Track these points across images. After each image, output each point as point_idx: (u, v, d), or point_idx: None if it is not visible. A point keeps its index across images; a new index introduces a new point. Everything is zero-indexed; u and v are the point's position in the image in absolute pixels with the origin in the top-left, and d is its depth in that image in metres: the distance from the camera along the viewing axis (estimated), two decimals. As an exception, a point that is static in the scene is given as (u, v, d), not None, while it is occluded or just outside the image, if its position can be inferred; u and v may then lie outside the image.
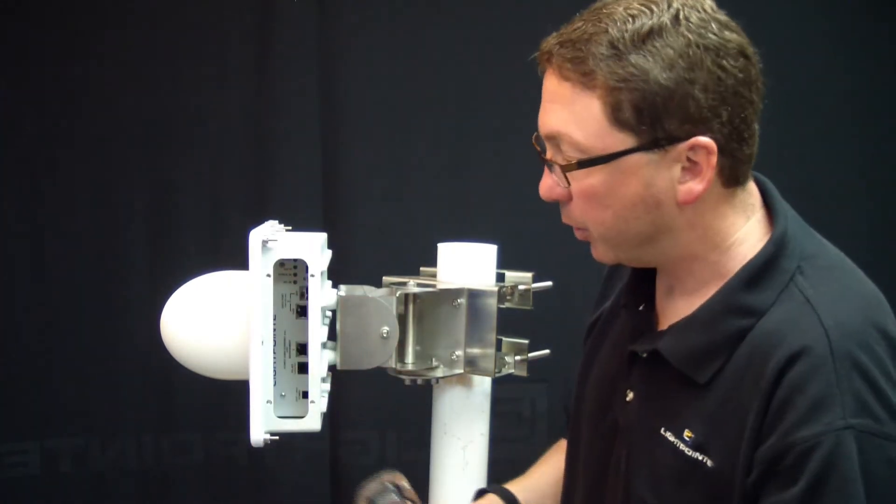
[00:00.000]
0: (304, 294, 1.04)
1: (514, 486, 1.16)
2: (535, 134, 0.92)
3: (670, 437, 0.90)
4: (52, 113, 2.02)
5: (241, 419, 1.00)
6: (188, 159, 2.05)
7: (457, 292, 1.06)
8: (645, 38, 0.81)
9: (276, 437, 1.00)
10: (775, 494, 0.80)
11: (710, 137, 0.83)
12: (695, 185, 0.84)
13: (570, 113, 0.85)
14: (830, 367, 0.80)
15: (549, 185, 0.92)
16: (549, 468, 1.21)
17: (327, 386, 1.03)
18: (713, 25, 0.83)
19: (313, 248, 0.98)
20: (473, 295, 1.06)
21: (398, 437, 2.15)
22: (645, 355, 0.94)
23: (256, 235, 0.96)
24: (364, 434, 2.15)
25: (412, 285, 1.05)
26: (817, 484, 0.78)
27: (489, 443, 1.14)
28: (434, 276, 1.11)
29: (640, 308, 0.99)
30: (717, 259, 0.89)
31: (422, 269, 1.14)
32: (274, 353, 0.99)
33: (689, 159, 0.84)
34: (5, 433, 2.04)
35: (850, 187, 2.10)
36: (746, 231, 0.89)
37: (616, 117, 0.83)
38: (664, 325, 0.95)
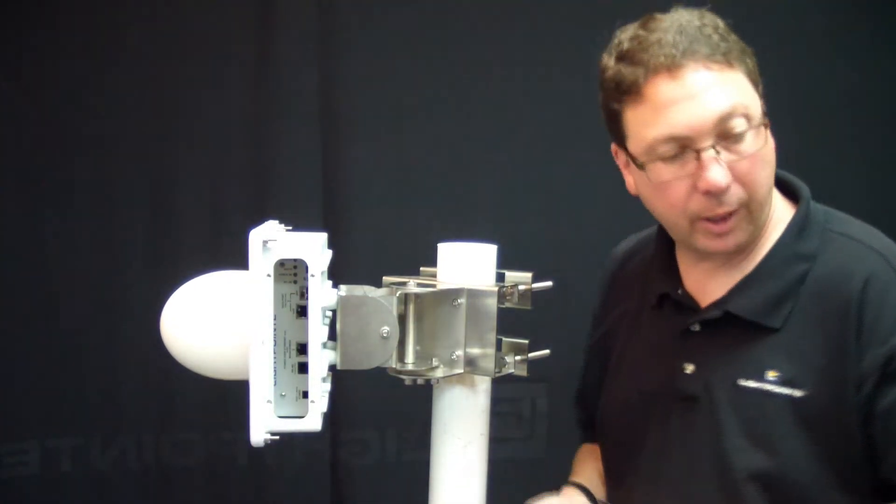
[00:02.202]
0: (304, 294, 1.04)
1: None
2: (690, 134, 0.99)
3: (751, 383, 1.01)
4: (51, 112, 2.02)
5: (241, 419, 1.00)
6: (188, 159, 2.06)
7: (457, 292, 1.06)
8: (724, 28, 1.02)
9: (276, 437, 1.00)
10: (893, 392, 0.95)
11: None
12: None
13: (733, 87, 0.98)
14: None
15: (724, 171, 0.99)
16: (592, 468, 1.31)
17: (327, 386, 1.03)
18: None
19: (313, 248, 0.98)
20: (473, 295, 1.06)
21: (398, 437, 2.15)
22: (697, 328, 1.07)
23: (256, 235, 0.96)
24: (364, 434, 2.15)
25: (412, 285, 1.05)
26: None
27: (489, 443, 1.13)
28: (434, 276, 1.11)
29: (679, 292, 1.12)
30: (772, 223, 1.07)
31: (422, 269, 1.14)
32: (274, 353, 0.99)
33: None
34: (5, 433, 2.04)
35: (850, 188, 2.10)
36: (775, 197, 1.07)
37: (752, 79, 1.01)
38: (704, 302, 1.08)
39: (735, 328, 1.03)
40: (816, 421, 0.98)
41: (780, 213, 1.07)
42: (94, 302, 2.04)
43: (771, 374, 1.00)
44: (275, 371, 0.99)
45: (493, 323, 1.06)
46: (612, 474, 1.21)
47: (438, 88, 2.11)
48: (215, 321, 1.02)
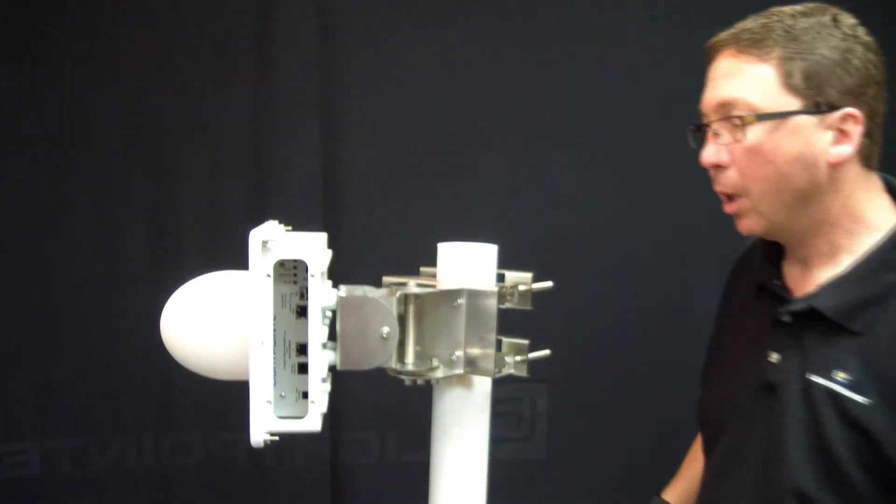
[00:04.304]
0: (304, 294, 1.04)
1: (672, 494, 1.37)
2: (701, 107, 1.08)
3: (820, 380, 1.02)
4: (52, 113, 2.02)
5: (241, 419, 1.00)
6: (188, 159, 2.06)
7: (457, 293, 1.06)
8: (812, 28, 1.02)
9: (276, 438, 1.00)
10: None
11: (859, 109, 1.01)
12: (844, 149, 1.02)
13: (746, 80, 1.02)
14: None
15: (715, 151, 1.07)
16: (696, 467, 1.31)
17: (327, 386, 1.03)
18: (861, 30, 1.05)
19: (313, 248, 0.97)
20: (473, 295, 1.06)
21: (398, 437, 2.16)
22: (788, 319, 1.08)
23: (256, 235, 0.96)
24: (364, 434, 2.15)
25: (412, 285, 1.05)
26: None
27: (489, 443, 1.13)
28: (434, 276, 1.11)
29: (776, 282, 1.14)
30: (851, 227, 1.06)
31: (422, 269, 1.14)
32: (274, 353, 0.99)
33: (839, 129, 1.02)
34: (5, 433, 2.04)
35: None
36: (877, 207, 1.06)
37: (787, 82, 1.01)
38: (798, 295, 1.09)
39: (821, 325, 1.05)
40: (874, 430, 0.98)
41: (885, 218, 1.06)
42: (94, 302, 2.04)
43: (840, 375, 1.01)
44: (275, 371, 0.98)
45: (494, 323, 1.06)
46: (706, 465, 1.23)
47: (439, 88, 2.11)
48: (215, 321, 1.02)
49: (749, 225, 1.09)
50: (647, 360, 2.21)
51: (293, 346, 1.05)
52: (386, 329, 1.02)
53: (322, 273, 0.99)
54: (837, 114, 1.01)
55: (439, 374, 1.07)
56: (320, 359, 0.99)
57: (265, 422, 0.98)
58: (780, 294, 1.12)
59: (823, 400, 1.02)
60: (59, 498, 2.07)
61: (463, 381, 1.09)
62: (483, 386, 1.11)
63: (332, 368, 1.03)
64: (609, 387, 2.18)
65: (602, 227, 2.18)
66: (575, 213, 2.16)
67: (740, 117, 1.03)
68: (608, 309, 2.18)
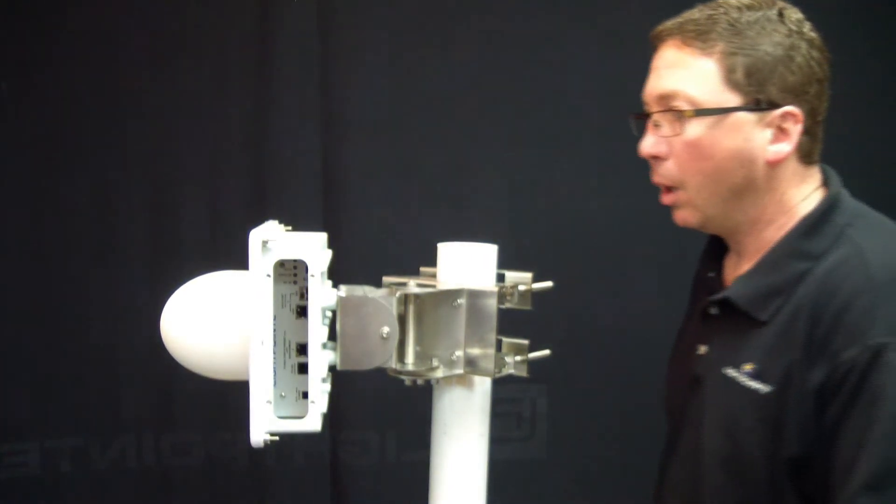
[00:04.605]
0: (304, 294, 1.04)
1: None
2: (644, 95, 1.08)
3: (731, 372, 1.03)
4: (51, 113, 2.02)
5: (241, 419, 1.00)
6: (188, 159, 2.05)
7: (457, 293, 1.06)
8: (757, 22, 1.01)
9: (276, 438, 1.00)
10: (828, 412, 0.93)
11: (798, 109, 1.01)
12: (783, 148, 1.02)
13: (688, 73, 1.02)
14: (871, 298, 0.93)
15: (654, 142, 1.07)
16: None
17: (327, 386, 1.03)
18: (807, 26, 1.04)
19: (313, 248, 0.98)
20: (473, 295, 1.06)
21: (398, 437, 2.15)
22: (715, 311, 1.09)
23: (256, 235, 0.96)
24: (364, 434, 2.15)
25: (412, 285, 1.05)
26: (855, 396, 0.91)
27: (489, 443, 1.13)
28: (434, 276, 1.11)
29: (711, 275, 1.16)
30: (783, 223, 1.05)
31: (422, 269, 1.14)
32: (274, 353, 0.99)
33: (779, 127, 1.01)
34: (5, 433, 2.04)
35: (850, 188, 2.10)
36: (810, 203, 1.05)
37: (729, 78, 1.00)
38: (743, 262, 1.10)
39: (738, 316, 1.05)
40: (776, 418, 0.98)
41: (808, 208, 1.06)
42: (94, 302, 2.04)
43: (747, 367, 1.02)
44: (275, 371, 0.99)
45: (494, 323, 1.06)
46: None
47: (438, 88, 2.11)
48: (215, 321, 1.02)
49: (684, 217, 1.10)
50: (646, 360, 2.20)
51: (293, 346, 1.05)
52: (386, 329, 1.02)
53: (322, 273, 0.99)
54: (777, 112, 1.01)
55: (439, 374, 1.07)
56: (320, 359, 0.99)
57: (265, 422, 0.98)
58: (713, 286, 1.14)
59: (734, 392, 1.02)
60: (59, 498, 2.07)
61: (463, 381, 1.09)
62: (483, 386, 1.11)
63: (332, 368, 1.03)
64: (609, 387, 2.18)
65: (602, 228, 2.18)
66: (575, 213, 2.16)
67: (680, 111, 1.03)
68: (608, 309, 2.18)
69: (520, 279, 1.10)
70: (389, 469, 2.15)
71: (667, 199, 1.10)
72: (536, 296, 1.09)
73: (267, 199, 2.06)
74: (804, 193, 1.06)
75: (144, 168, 2.05)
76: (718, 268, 1.17)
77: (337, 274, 1.10)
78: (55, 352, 2.04)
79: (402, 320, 1.05)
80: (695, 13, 1.04)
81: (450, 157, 2.13)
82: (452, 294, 1.06)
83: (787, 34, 1.01)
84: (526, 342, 1.11)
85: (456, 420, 1.10)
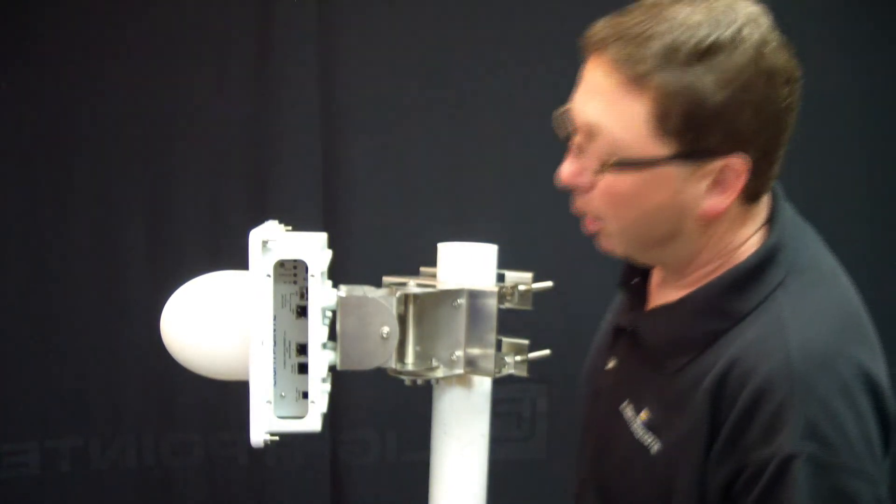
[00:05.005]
0: (304, 294, 1.04)
1: None
2: (562, 111, 0.92)
3: (628, 412, 0.95)
4: (51, 113, 2.02)
5: (241, 419, 1.00)
6: (188, 159, 2.06)
7: (457, 293, 1.06)
8: (705, 53, 0.80)
9: (276, 438, 1.00)
10: None
11: (744, 158, 0.84)
12: (719, 202, 0.86)
13: (614, 109, 0.84)
14: (787, 391, 0.80)
15: (574, 171, 0.92)
16: None
17: (327, 386, 1.03)
18: (770, 47, 0.83)
19: (313, 248, 0.98)
20: (473, 295, 1.06)
21: (398, 437, 2.15)
22: (630, 329, 1.00)
23: (256, 235, 0.96)
24: (364, 434, 2.15)
25: (412, 285, 1.05)
26: None
27: (489, 443, 1.13)
28: (434, 276, 1.11)
29: (634, 282, 1.04)
30: (720, 263, 0.91)
31: (422, 269, 1.14)
32: (274, 353, 0.99)
33: (717, 179, 0.85)
34: (5, 433, 2.04)
35: (850, 188, 2.10)
36: (752, 241, 0.91)
37: (663, 124, 0.82)
38: (654, 303, 0.99)
39: (649, 347, 0.96)
40: (667, 481, 0.88)
41: (752, 250, 0.90)
42: (94, 302, 2.04)
43: (643, 415, 0.92)
44: (275, 371, 0.99)
45: (494, 323, 1.06)
46: None
47: (438, 88, 2.11)
48: (215, 321, 1.02)
49: (609, 246, 0.98)
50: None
51: (293, 346, 1.05)
52: (386, 329, 1.02)
53: (322, 273, 0.99)
54: (717, 163, 0.84)
55: (439, 374, 1.07)
56: (320, 359, 0.99)
57: (265, 422, 0.98)
58: (635, 294, 1.03)
59: (627, 436, 0.94)
60: (59, 498, 2.07)
61: (463, 381, 1.09)
62: (483, 386, 1.11)
63: (332, 368, 1.03)
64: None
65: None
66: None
67: (596, 157, 0.88)
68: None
69: (520, 279, 1.10)
70: (389, 469, 2.15)
71: (590, 226, 0.97)
72: (536, 296, 1.09)
73: (267, 199, 2.06)
74: (744, 236, 0.91)
75: (144, 168, 2.05)
76: (645, 273, 1.05)
77: (337, 274, 1.10)
78: (55, 352, 2.04)
79: (402, 320, 1.05)
80: (633, 18, 0.84)
81: (450, 157, 2.13)
82: (452, 294, 1.06)
83: (743, 67, 0.81)
84: (526, 342, 1.11)
85: (456, 420, 1.10)
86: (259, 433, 0.98)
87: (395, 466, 2.15)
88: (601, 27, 0.86)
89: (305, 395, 1.01)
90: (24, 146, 2.02)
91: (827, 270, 0.91)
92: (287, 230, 1.05)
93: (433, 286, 1.06)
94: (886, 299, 2.12)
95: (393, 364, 1.04)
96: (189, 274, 1.07)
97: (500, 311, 1.06)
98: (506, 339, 1.10)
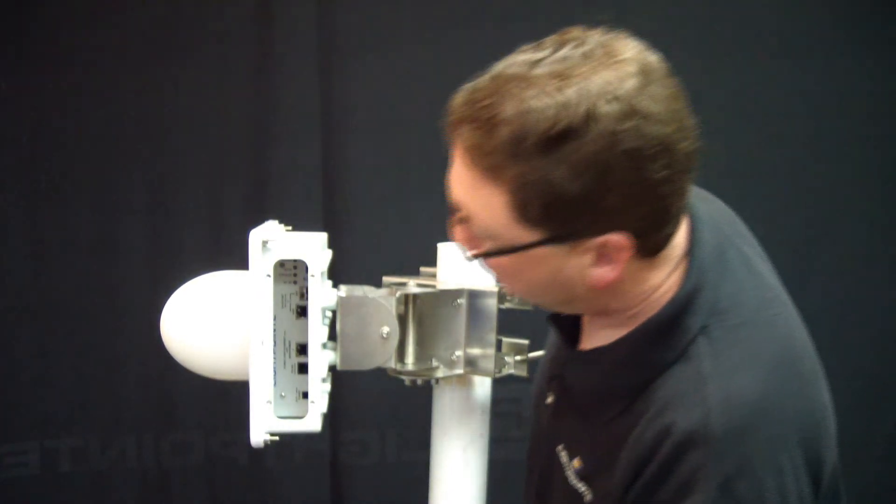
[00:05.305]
0: (304, 294, 1.04)
1: None
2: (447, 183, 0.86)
3: (563, 457, 0.91)
4: (51, 113, 2.02)
5: (241, 419, 1.00)
6: (188, 159, 2.06)
7: (457, 293, 1.06)
8: (554, 141, 0.72)
9: (276, 438, 1.00)
10: None
11: (624, 233, 0.77)
12: (607, 272, 0.80)
13: (477, 199, 0.79)
14: (704, 452, 0.76)
15: (461, 238, 0.86)
16: None
17: (327, 386, 1.03)
18: (631, 122, 0.72)
19: (313, 248, 0.98)
20: (473, 295, 1.06)
21: (398, 437, 2.15)
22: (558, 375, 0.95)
23: (256, 235, 0.96)
24: (364, 434, 2.15)
25: (412, 285, 1.05)
26: None
27: (489, 443, 1.14)
28: (434, 276, 1.11)
29: (564, 315, 0.95)
30: (639, 309, 0.85)
31: (422, 269, 1.14)
32: (274, 353, 0.99)
33: (599, 253, 0.79)
34: (5, 433, 2.04)
35: (850, 188, 2.10)
36: (668, 285, 0.83)
37: (524, 214, 0.76)
38: (585, 340, 0.93)
39: (576, 396, 0.93)
40: None
41: (672, 293, 0.83)
42: (94, 302, 2.04)
43: (576, 463, 0.89)
44: (274, 371, 0.99)
45: (494, 323, 1.06)
46: None
47: (438, 88, 2.10)
48: (215, 321, 1.02)
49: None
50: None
51: (293, 346, 1.05)
52: (386, 329, 1.02)
53: (322, 273, 0.99)
54: (594, 242, 0.77)
55: (439, 374, 1.07)
56: (320, 359, 0.99)
57: (265, 422, 0.98)
58: (567, 326, 0.95)
59: (562, 480, 0.91)
60: (59, 498, 2.07)
61: (463, 381, 1.09)
62: (483, 386, 1.11)
63: (332, 368, 1.03)
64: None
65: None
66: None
67: (471, 243, 0.84)
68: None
69: (520, 279, 1.10)
70: (389, 469, 2.15)
71: None
72: (536, 296, 1.09)
73: (267, 199, 2.06)
74: (657, 281, 0.83)
75: (144, 168, 2.05)
76: None
77: (337, 274, 1.10)
78: (55, 352, 2.04)
79: (402, 320, 1.05)
80: (484, 93, 0.77)
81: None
82: (452, 294, 1.06)
83: (597, 153, 0.72)
84: (526, 342, 1.11)
85: (456, 420, 1.10)
86: (259, 433, 0.98)
87: (395, 466, 2.15)
88: (457, 103, 0.80)
89: (305, 395, 1.02)
90: (24, 146, 2.02)
91: (752, 306, 0.83)
92: (287, 230, 1.05)
93: (433, 286, 1.06)
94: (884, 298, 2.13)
95: (393, 364, 1.05)
96: (189, 274, 1.07)
97: (500, 311, 1.06)
98: (506, 339, 1.10)
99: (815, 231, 2.04)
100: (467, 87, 0.79)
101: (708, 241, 0.84)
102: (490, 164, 0.76)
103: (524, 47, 0.80)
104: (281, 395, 1.05)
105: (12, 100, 2.00)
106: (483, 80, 0.79)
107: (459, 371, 1.07)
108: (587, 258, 0.79)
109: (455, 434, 1.10)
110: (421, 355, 1.07)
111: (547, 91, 0.73)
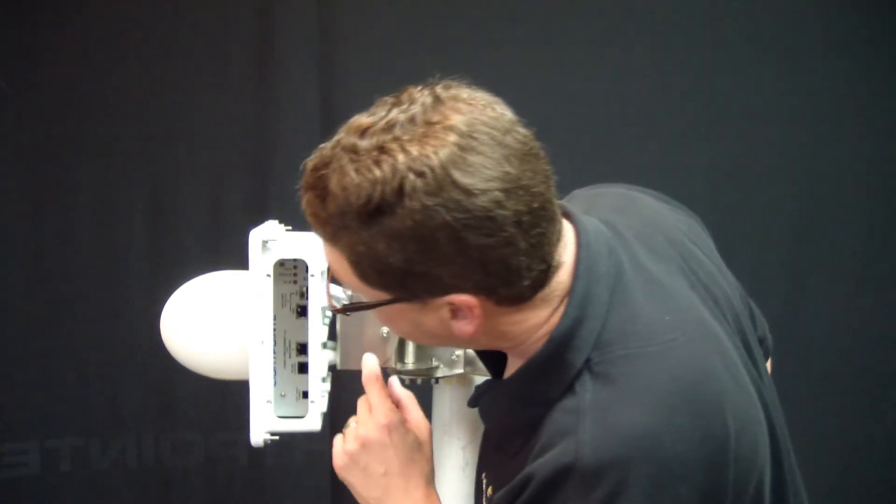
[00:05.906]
0: (304, 294, 1.05)
1: None
2: None
3: (484, 482, 0.91)
4: (52, 113, 2.02)
5: (241, 419, 1.00)
6: (188, 159, 2.06)
7: (457, 292, 1.06)
8: (371, 217, 0.73)
9: (276, 437, 1.00)
10: None
11: (466, 294, 0.75)
12: (465, 326, 0.78)
13: (330, 259, 0.80)
14: (572, 483, 0.74)
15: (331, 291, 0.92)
16: None
17: (327, 386, 1.03)
18: (442, 196, 0.71)
19: (313, 248, 0.98)
20: (473, 295, 1.06)
21: (398, 437, 2.15)
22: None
23: (256, 235, 0.96)
24: (364, 434, 2.15)
25: (412, 285, 1.05)
26: None
27: (489, 443, 1.13)
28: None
29: None
30: (525, 347, 0.83)
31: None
32: (274, 353, 0.99)
33: (453, 307, 0.77)
34: (5, 433, 2.04)
35: (849, 188, 2.10)
36: (551, 323, 0.81)
37: (364, 278, 0.77)
38: (508, 369, 0.90)
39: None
40: None
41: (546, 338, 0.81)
42: (95, 302, 2.04)
43: (489, 490, 0.89)
44: (275, 371, 0.99)
45: (493, 323, 1.06)
46: None
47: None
48: (215, 321, 1.02)
49: None
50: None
51: (293, 346, 1.05)
52: (386, 329, 1.02)
53: (322, 272, 0.99)
54: (440, 300, 0.76)
55: (439, 373, 1.07)
56: (320, 358, 0.99)
57: (265, 422, 0.98)
58: (491, 357, 0.93)
59: (482, 495, 0.92)
60: (59, 498, 2.07)
61: (463, 380, 1.09)
62: (483, 386, 1.11)
63: (332, 368, 1.03)
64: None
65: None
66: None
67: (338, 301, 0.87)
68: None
69: (520, 279, 1.10)
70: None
71: None
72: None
73: (267, 199, 2.06)
74: (538, 321, 0.81)
75: (145, 168, 2.05)
76: None
77: (337, 274, 1.10)
78: (55, 352, 2.04)
79: (402, 320, 1.05)
80: (321, 161, 0.78)
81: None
82: (452, 294, 1.06)
83: (410, 230, 0.72)
84: (526, 342, 1.11)
85: (456, 420, 1.10)
86: (259, 433, 0.98)
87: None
88: (308, 166, 0.81)
89: (305, 395, 1.02)
90: (25, 146, 2.02)
91: (642, 335, 0.79)
92: (287, 230, 1.05)
93: (433, 286, 1.06)
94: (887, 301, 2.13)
95: (393, 364, 1.05)
96: (189, 274, 1.07)
97: (499, 310, 1.06)
98: (506, 339, 1.10)
99: (814, 231, 2.04)
100: (318, 150, 0.80)
101: (594, 273, 0.81)
102: (327, 232, 0.77)
103: (380, 100, 0.83)
104: (281, 395, 1.05)
105: (13, 100, 2.00)
106: (328, 145, 0.79)
107: (459, 370, 1.07)
108: (444, 312, 0.78)
109: (455, 434, 1.10)
110: (421, 355, 1.07)
111: (366, 165, 0.73)
